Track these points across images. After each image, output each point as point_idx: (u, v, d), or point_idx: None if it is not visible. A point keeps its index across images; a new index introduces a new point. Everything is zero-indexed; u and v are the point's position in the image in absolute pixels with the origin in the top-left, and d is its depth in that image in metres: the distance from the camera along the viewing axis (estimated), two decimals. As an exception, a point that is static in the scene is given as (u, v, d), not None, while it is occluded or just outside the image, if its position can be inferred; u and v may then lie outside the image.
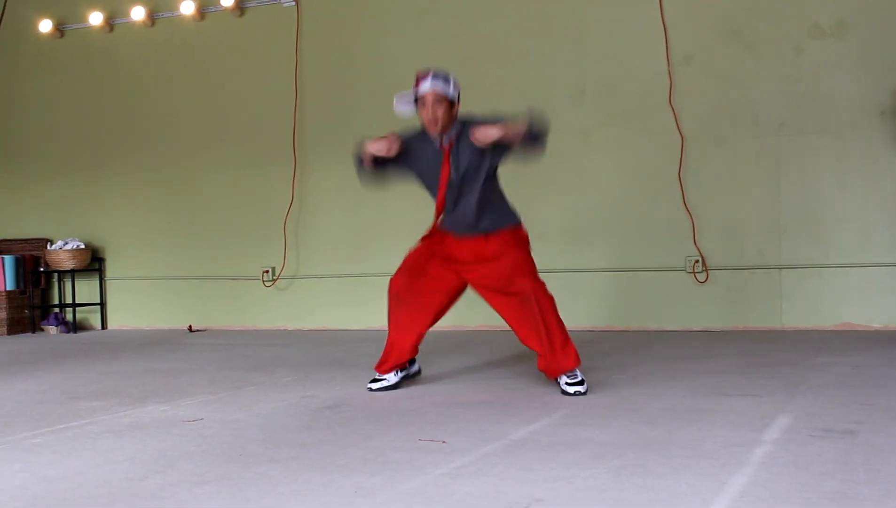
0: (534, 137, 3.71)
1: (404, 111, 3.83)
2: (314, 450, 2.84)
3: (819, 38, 5.98)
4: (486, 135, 3.66)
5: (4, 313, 7.54)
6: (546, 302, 3.88)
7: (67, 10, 7.85)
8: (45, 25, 7.84)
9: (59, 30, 7.88)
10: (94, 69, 7.84)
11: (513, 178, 6.62)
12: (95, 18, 7.68)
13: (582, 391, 3.77)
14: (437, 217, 3.96)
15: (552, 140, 6.46)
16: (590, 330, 6.31)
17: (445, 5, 6.85)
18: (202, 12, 7.43)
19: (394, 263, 7.04)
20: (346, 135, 7.09)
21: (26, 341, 7.04)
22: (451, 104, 3.77)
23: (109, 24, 7.70)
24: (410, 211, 6.66)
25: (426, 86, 3.74)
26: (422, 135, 3.88)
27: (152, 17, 7.59)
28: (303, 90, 7.20)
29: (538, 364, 3.92)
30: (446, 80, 3.77)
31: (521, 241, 3.96)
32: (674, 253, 6.26)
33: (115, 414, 3.57)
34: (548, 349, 3.84)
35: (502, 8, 6.70)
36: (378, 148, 3.79)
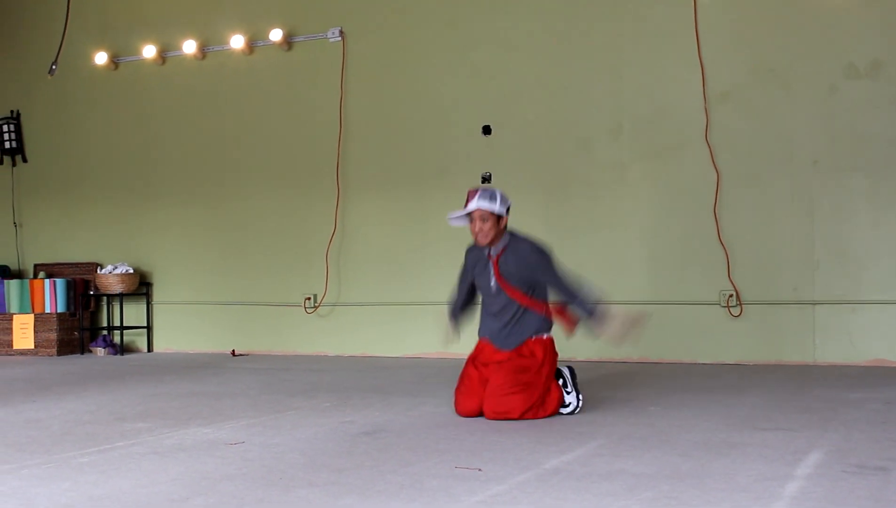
0: (590, 312, 4.14)
1: (457, 224, 4.23)
2: (353, 475, 2.90)
3: (854, 78, 6.00)
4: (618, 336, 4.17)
5: (55, 334, 7.73)
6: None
7: (122, 43, 8.11)
8: (101, 58, 8.10)
9: (114, 62, 8.13)
10: (146, 100, 8.06)
11: (550, 210, 6.74)
12: (149, 51, 7.92)
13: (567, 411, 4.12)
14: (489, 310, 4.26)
15: (590, 174, 6.59)
16: (623, 362, 6.33)
17: (487, 42, 6.98)
18: (251, 46, 7.64)
19: (433, 291, 7.21)
20: (388, 166, 7.24)
21: (75, 362, 7.20)
22: (497, 219, 4.10)
23: (162, 56, 7.94)
24: (450, 241, 6.76)
25: (473, 204, 4.10)
26: (476, 248, 4.29)
27: (203, 51, 7.82)
28: (347, 122, 7.35)
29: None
30: (493, 197, 4.10)
31: (547, 352, 4.16)
32: (708, 287, 6.27)
33: (160, 436, 3.65)
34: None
35: (542, 44, 6.81)
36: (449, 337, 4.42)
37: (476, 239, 4.15)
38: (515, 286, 4.13)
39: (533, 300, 4.16)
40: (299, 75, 7.54)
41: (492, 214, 4.08)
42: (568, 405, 4.12)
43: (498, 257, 4.16)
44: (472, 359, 4.25)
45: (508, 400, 3.97)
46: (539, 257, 4.14)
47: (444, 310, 4.50)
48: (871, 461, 3.01)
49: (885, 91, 5.94)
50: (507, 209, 4.15)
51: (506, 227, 4.18)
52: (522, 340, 4.15)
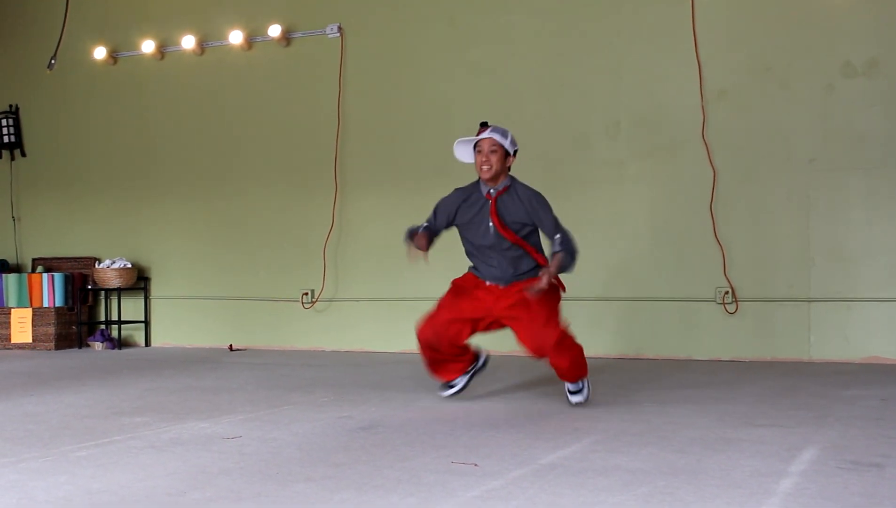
0: (567, 266, 4.06)
1: (462, 157, 4.15)
2: (350, 470, 2.91)
3: (850, 77, 6.02)
4: (540, 287, 3.94)
5: (53, 328, 7.75)
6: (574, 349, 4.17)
7: (121, 38, 8.11)
8: (100, 53, 8.11)
9: (113, 57, 8.14)
10: (145, 95, 8.07)
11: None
12: (147, 46, 7.92)
13: (580, 400, 4.18)
14: (483, 253, 4.20)
15: (588, 171, 6.60)
16: (620, 358, 6.35)
17: (486, 38, 6.99)
18: (250, 42, 7.64)
19: (430, 287, 7.20)
20: (386, 162, 7.25)
21: (73, 356, 7.21)
22: (505, 155, 4.07)
23: (161, 52, 7.95)
24: (447, 237, 6.76)
25: (485, 134, 4.07)
26: (470, 188, 4.22)
27: (202, 46, 7.82)
28: (345, 118, 7.36)
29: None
30: (504, 133, 4.10)
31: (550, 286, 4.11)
32: (704, 284, 6.29)
33: (157, 430, 3.66)
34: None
35: (541, 42, 6.82)
36: (413, 256, 4.28)
37: (480, 171, 4.10)
38: (511, 229, 4.10)
39: (527, 245, 4.14)
40: (298, 71, 7.54)
41: (501, 147, 4.06)
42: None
43: (497, 196, 4.11)
44: (460, 288, 4.23)
45: (546, 332, 3.99)
46: (539, 200, 4.13)
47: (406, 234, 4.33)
48: (865, 457, 3.02)
49: (882, 90, 5.96)
50: (515, 153, 4.14)
51: (509, 169, 4.15)
52: (522, 278, 4.14)
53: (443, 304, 4.27)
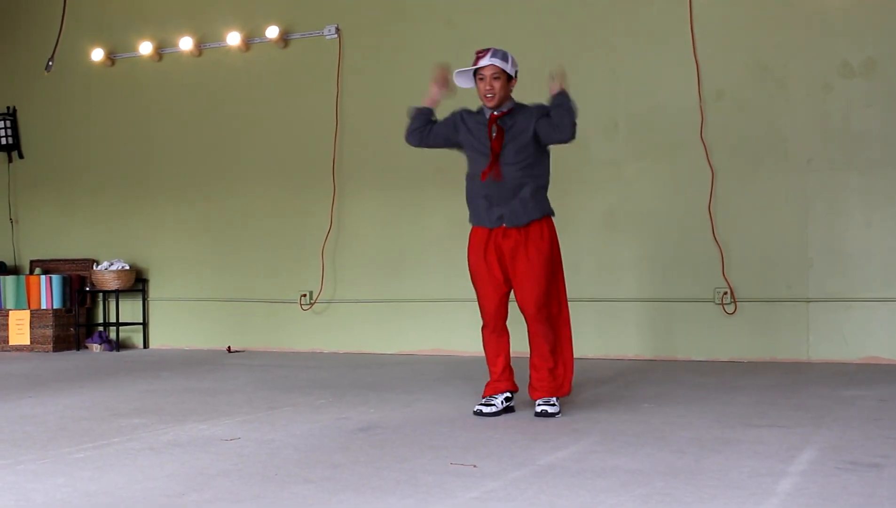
0: (570, 105, 3.98)
1: (462, 85, 4.06)
2: (348, 471, 2.92)
3: (848, 77, 6.02)
4: (559, 83, 3.94)
5: (51, 330, 7.74)
6: (562, 331, 4.09)
7: (119, 39, 8.10)
8: (97, 54, 8.10)
9: (111, 58, 8.13)
10: (142, 96, 8.06)
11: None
12: (145, 48, 7.92)
13: (550, 411, 3.98)
14: (485, 176, 4.03)
15: (586, 171, 6.60)
16: (619, 359, 6.35)
17: (483, 39, 6.95)
18: (248, 43, 7.64)
19: (428, 289, 7.20)
20: (384, 163, 7.25)
21: (71, 358, 7.21)
22: (508, 79, 3.98)
23: (158, 53, 7.94)
24: (444, 239, 6.77)
25: (485, 61, 3.96)
26: (474, 112, 4.12)
27: (199, 48, 7.81)
28: (343, 119, 7.36)
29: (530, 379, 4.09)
30: (505, 57, 3.99)
31: (550, 237, 4.08)
32: (703, 285, 6.29)
33: (155, 432, 3.66)
34: (546, 367, 4.05)
35: (537, 42, 6.81)
36: (436, 89, 4.17)
37: (484, 99, 4.00)
38: (518, 148, 3.98)
39: (532, 173, 4.04)
40: (295, 72, 7.54)
41: (504, 72, 3.97)
42: None
43: (501, 115, 4.01)
44: (482, 254, 4.06)
45: (537, 291, 3.94)
46: (542, 107, 4.03)
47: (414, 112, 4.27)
48: (864, 457, 3.03)
49: (880, 90, 5.96)
50: (516, 73, 4.03)
51: (512, 92, 4.06)
52: (530, 218, 4.02)
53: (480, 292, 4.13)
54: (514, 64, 4.02)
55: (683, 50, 6.37)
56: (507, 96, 4.03)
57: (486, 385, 4.16)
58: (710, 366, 5.95)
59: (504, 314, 4.11)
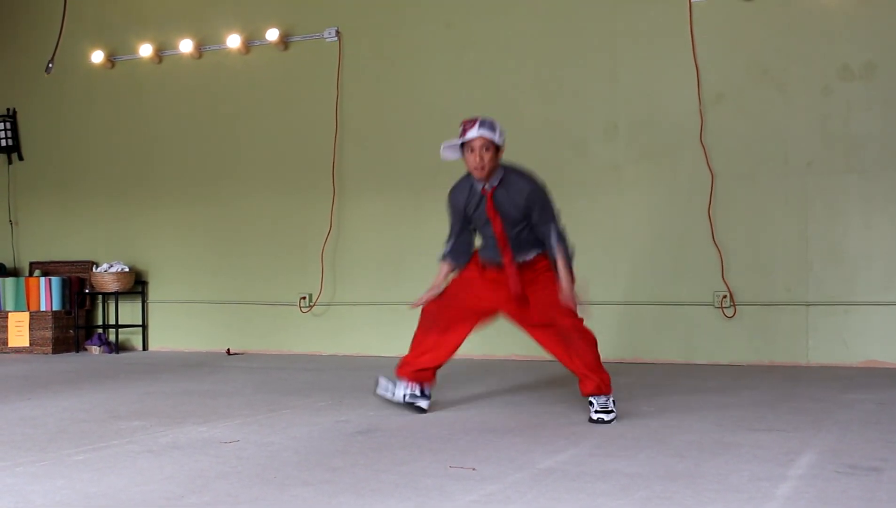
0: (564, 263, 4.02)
1: (451, 158, 4.02)
2: (347, 474, 2.91)
3: (848, 80, 6.03)
4: (568, 300, 3.96)
5: (50, 332, 7.74)
6: (586, 336, 4.08)
7: (119, 41, 8.11)
8: (97, 56, 8.11)
9: (111, 61, 8.14)
10: (142, 99, 8.07)
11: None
12: (145, 50, 7.92)
13: (606, 419, 3.91)
14: (503, 252, 4.08)
15: (586, 175, 6.61)
16: (618, 362, 6.34)
17: (483, 42, 6.99)
18: (248, 46, 7.64)
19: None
20: (383, 166, 7.26)
21: (70, 360, 7.20)
22: (496, 150, 3.95)
23: (158, 55, 7.95)
24: (444, 241, 6.76)
25: (474, 132, 3.90)
26: (465, 181, 4.09)
27: (200, 50, 7.82)
28: (343, 122, 7.36)
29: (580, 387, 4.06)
30: (492, 127, 3.94)
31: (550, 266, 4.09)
32: (702, 288, 6.30)
33: (155, 434, 3.66)
34: (584, 371, 4.03)
35: (538, 45, 6.83)
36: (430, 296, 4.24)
37: (474, 171, 3.97)
38: (512, 222, 4.02)
39: (528, 225, 4.08)
40: (295, 75, 7.54)
41: (493, 143, 3.93)
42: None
43: (493, 191, 4.00)
44: (469, 274, 4.16)
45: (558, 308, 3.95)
46: (534, 196, 4.01)
47: (440, 260, 4.31)
48: (863, 461, 3.03)
49: (879, 93, 5.97)
50: (504, 142, 4.00)
51: (500, 161, 4.03)
52: (531, 254, 4.07)
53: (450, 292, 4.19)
54: (501, 134, 3.97)
55: (683, 53, 6.38)
56: (496, 167, 3.99)
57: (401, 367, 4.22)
58: (710, 370, 5.95)
59: (457, 331, 4.17)
